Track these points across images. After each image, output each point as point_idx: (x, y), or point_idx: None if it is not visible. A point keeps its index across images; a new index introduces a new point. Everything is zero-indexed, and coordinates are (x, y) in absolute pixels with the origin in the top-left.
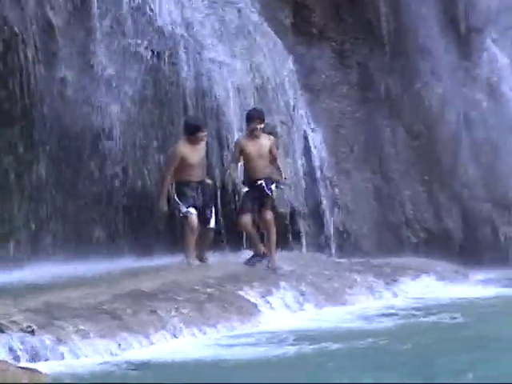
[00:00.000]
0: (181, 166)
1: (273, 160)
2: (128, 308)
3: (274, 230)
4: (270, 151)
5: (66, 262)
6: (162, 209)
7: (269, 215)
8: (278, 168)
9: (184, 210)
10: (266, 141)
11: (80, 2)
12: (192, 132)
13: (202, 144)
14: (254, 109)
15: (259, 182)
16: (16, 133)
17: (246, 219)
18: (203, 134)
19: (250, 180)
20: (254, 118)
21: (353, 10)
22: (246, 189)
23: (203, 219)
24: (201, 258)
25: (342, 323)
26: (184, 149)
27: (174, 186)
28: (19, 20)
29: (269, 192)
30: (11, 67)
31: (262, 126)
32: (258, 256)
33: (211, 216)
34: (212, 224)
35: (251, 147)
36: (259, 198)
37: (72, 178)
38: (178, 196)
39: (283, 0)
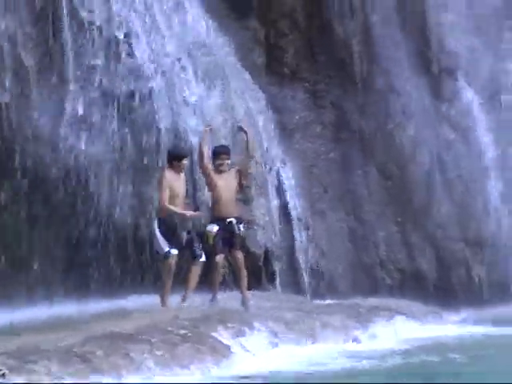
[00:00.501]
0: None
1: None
2: (101, 350)
3: (244, 270)
4: (238, 184)
5: (40, 304)
6: (197, 216)
7: (239, 255)
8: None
9: (165, 250)
10: (233, 177)
11: (53, 42)
12: (176, 159)
13: (183, 176)
14: (221, 145)
15: (229, 220)
16: None
17: (221, 259)
18: (185, 162)
19: (219, 218)
20: (219, 153)
21: (326, 50)
22: (216, 227)
23: (192, 256)
24: (213, 296)
25: (315, 364)
26: (169, 174)
27: (156, 222)
28: None
29: (238, 231)
30: None
31: (229, 161)
32: (215, 298)
33: (200, 250)
34: (203, 257)
35: (219, 181)
36: (229, 238)
37: (46, 219)
38: (160, 233)
39: (256, 40)
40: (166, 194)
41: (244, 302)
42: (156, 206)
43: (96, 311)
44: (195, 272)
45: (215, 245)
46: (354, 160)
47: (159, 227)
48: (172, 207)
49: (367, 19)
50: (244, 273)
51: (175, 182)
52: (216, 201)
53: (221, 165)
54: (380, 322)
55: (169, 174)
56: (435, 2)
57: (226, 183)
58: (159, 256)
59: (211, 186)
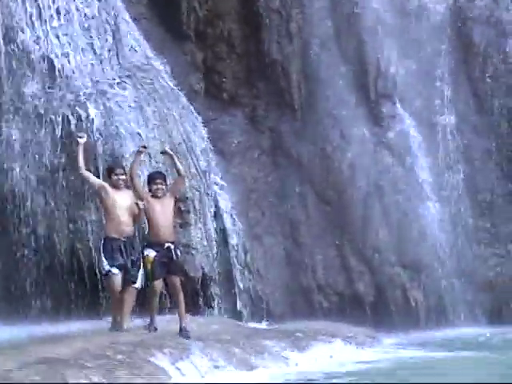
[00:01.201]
0: (110, 215)
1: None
2: (37, 376)
3: (182, 295)
4: (174, 208)
5: None
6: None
7: (177, 280)
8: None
9: (106, 268)
10: (169, 201)
11: None
12: (108, 173)
13: (128, 193)
14: (156, 171)
15: (167, 245)
16: None
17: (159, 284)
18: (117, 174)
19: (157, 243)
20: (155, 179)
21: (264, 76)
22: (154, 253)
23: (128, 279)
24: (151, 321)
25: None
26: (107, 186)
27: (102, 241)
28: None
29: (176, 256)
30: None
31: (164, 187)
32: (153, 323)
33: (137, 275)
34: (138, 284)
35: (156, 206)
36: (167, 262)
37: None
38: (103, 252)
39: (194, 65)
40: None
41: (182, 328)
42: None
43: (32, 335)
44: (130, 296)
45: (153, 269)
46: (292, 184)
47: (104, 247)
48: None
49: (305, 45)
50: (181, 298)
51: (116, 194)
52: (153, 226)
53: (157, 190)
54: (317, 345)
55: (108, 187)
56: (371, 28)
57: (163, 208)
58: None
59: (148, 211)
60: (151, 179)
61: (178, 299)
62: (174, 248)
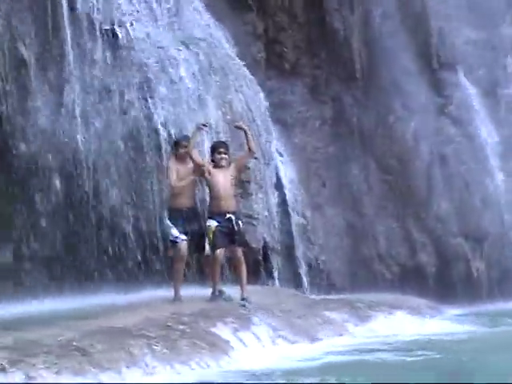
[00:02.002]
0: (173, 189)
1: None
2: (100, 345)
3: (243, 266)
4: (237, 178)
5: (40, 298)
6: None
7: (239, 252)
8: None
9: (175, 235)
10: (231, 172)
11: (52, 36)
12: (178, 145)
13: (190, 166)
14: (220, 141)
15: (228, 216)
16: None
17: (221, 255)
18: (184, 148)
19: (218, 213)
20: (218, 148)
21: (326, 45)
22: (215, 223)
23: (200, 247)
24: (213, 291)
25: (314, 360)
26: (174, 162)
27: (166, 211)
28: None
29: (237, 227)
30: None
31: (227, 157)
32: (216, 292)
33: (205, 243)
34: (207, 250)
35: (218, 176)
36: (228, 233)
37: (43, 212)
38: (170, 220)
39: (255, 35)
40: (175, 175)
41: (243, 298)
42: (166, 196)
43: (95, 306)
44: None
45: (214, 239)
46: (353, 154)
47: (169, 217)
48: (182, 182)
49: (367, 14)
50: (243, 268)
51: (181, 168)
52: (215, 196)
53: (221, 159)
54: (378, 316)
55: (174, 162)
56: None
57: (225, 178)
58: (170, 244)
59: (210, 182)
60: (215, 148)
61: (240, 270)
62: (236, 219)
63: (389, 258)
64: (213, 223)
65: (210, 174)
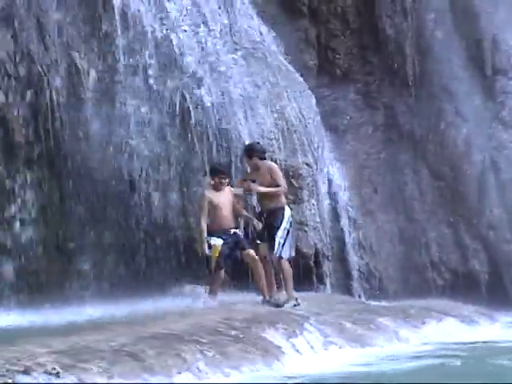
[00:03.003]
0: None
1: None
2: (152, 350)
3: (260, 266)
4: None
5: (91, 303)
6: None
7: (250, 253)
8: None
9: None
10: (229, 193)
11: (105, 43)
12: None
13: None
14: (219, 164)
15: (232, 231)
16: (41, 174)
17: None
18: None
19: (223, 230)
20: (217, 172)
21: (378, 52)
22: (221, 241)
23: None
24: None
25: (366, 366)
26: (208, 193)
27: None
28: (46, 62)
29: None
30: (37, 109)
31: (227, 180)
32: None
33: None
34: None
35: (218, 199)
36: (236, 244)
37: (95, 218)
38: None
39: (308, 41)
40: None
41: (265, 300)
42: None
43: (148, 311)
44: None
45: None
46: (405, 161)
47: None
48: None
49: (420, 20)
50: (259, 269)
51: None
52: (216, 214)
53: (219, 183)
54: (430, 323)
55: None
56: (487, 2)
57: (224, 200)
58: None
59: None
60: (213, 172)
61: (256, 271)
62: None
63: (440, 265)
64: (218, 241)
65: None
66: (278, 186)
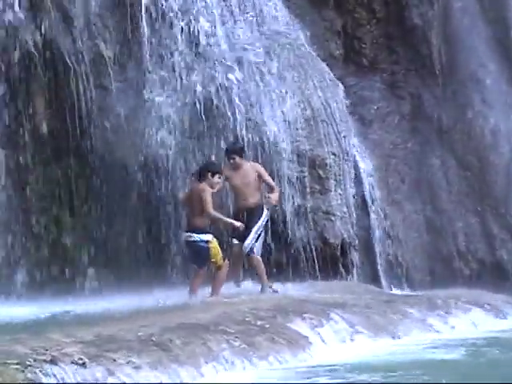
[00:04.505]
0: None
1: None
2: (179, 340)
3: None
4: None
5: (118, 294)
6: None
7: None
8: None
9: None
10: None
11: (131, 33)
12: (227, 156)
13: (245, 169)
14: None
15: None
16: (68, 164)
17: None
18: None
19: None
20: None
21: (404, 41)
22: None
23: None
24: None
25: (394, 356)
26: (226, 170)
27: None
28: (71, 52)
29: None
30: (63, 99)
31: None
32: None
33: (246, 239)
34: (245, 249)
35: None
36: None
37: (123, 210)
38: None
39: (334, 31)
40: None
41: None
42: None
43: (174, 301)
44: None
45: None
46: (432, 150)
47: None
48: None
49: (446, 8)
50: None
51: (234, 176)
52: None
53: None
54: (458, 313)
55: (226, 170)
56: None
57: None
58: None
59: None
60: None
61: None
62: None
63: (467, 254)
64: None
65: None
66: (270, 186)
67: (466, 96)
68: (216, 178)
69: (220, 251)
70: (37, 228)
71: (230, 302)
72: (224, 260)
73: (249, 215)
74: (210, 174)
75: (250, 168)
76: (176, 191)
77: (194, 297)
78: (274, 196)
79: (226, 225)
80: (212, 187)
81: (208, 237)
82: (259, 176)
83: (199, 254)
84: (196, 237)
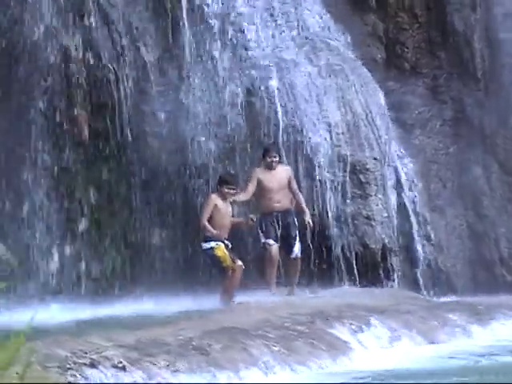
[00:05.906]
0: (260, 193)
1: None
2: (218, 344)
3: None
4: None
5: (158, 298)
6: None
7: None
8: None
9: (262, 241)
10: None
11: (172, 38)
12: (263, 155)
13: (279, 171)
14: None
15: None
16: (109, 168)
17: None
18: (271, 157)
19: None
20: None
21: (446, 46)
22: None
23: (286, 249)
24: (289, 291)
25: (434, 362)
26: (259, 172)
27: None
28: (113, 57)
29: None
30: (104, 104)
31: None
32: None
33: (294, 245)
34: (295, 254)
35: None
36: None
37: (162, 214)
38: (260, 227)
39: (376, 35)
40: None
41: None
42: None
43: (213, 306)
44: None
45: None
46: (474, 155)
47: (260, 223)
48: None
49: (488, 13)
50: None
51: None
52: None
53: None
54: (499, 319)
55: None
56: None
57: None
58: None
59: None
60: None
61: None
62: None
63: (510, 261)
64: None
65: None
66: (295, 194)
67: (509, 100)
68: (225, 189)
69: (228, 255)
70: (78, 231)
71: (268, 307)
72: (234, 262)
73: (285, 219)
74: (222, 184)
75: (284, 171)
76: None
77: (231, 301)
78: (308, 218)
79: (246, 226)
80: (225, 197)
81: (211, 244)
82: (289, 181)
83: (212, 262)
84: (204, 245)
